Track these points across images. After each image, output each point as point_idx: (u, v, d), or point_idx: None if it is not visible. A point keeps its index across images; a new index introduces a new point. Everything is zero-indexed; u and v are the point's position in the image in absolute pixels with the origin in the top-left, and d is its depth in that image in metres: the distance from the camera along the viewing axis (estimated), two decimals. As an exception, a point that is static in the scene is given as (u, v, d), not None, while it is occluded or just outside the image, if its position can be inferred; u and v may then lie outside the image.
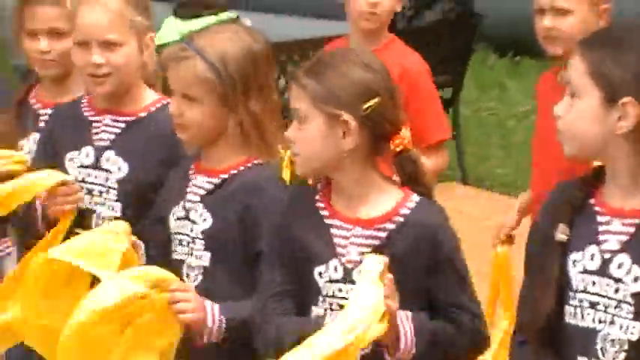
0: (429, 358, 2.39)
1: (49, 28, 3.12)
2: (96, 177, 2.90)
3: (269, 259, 2.47)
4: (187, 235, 2.62)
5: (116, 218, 2.83)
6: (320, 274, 2.34)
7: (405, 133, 2.37)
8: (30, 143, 3.17)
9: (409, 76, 3.79)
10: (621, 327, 2.09)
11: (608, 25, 2.88)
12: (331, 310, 2.35)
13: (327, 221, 2.36)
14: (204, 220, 2.60)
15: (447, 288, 2.35)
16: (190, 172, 2.69)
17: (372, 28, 3.83)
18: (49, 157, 2.97)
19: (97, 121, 2.92)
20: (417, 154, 2.44)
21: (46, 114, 3.18)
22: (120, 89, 2.89)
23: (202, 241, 2.60)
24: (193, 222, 2.60)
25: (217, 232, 2.58)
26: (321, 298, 2.35)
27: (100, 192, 2.90)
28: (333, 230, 2.36)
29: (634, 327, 2.07)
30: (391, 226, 2.33)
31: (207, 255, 2.59)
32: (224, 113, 2.56)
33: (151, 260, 2.73)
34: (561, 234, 2.15)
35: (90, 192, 2.87)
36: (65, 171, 2.90)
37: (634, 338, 2.07)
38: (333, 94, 2.28)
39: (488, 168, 5.28)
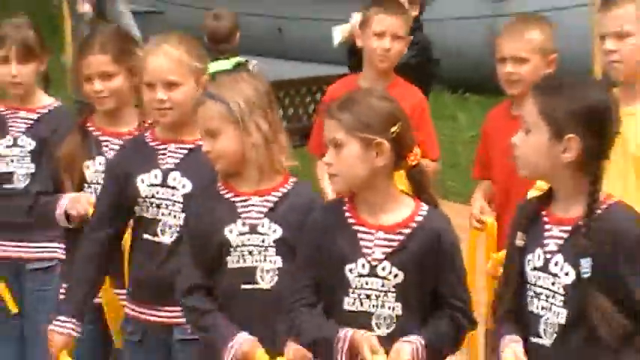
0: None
1: (100, 72, 3.13)
2: (163, 193, 2.91)
3: (299, 258, 2.48)
4: (259, 245, 2.61)
5: (181, 225, 2.83)
6: (350, 270, 2.34)
7: (417, 150, 2.45)
8: (96, 165, 3.19)
9: (419, 107, 3.90)
10: (555, 313, 2.15)
11: (553, 74, 2.99)
12: (359, 298, 2.35)
13: (355, 227, 2.37)
14: (275, 231, 2.60)
15: (447, 282, 2.36)
16: (228, 195, 2.64)
17: (384, 67, 3.82)
18: (119, 179, 2.95)
19: (163, 149, 2.94)
20: (425, 167, 2.54)
21: (106, 140, 3.21)
22: (180, 120, 2.92)
23: (274, 249, 2.59)
24: (264, 234, 2.60)
25: (287, 240, 2.58)
26: (351, 290, 2.35)
27: (167, 205, 2.92)
28: (359, 235, 2.36)
29: (563, 313, 2.13)
30: (407, 231, 2.35)
31: (279, 259, 2.59)
32: (240, 136, 2.55)
33: (208, 270, 2.64)
34: (519, 240, 2.24)
35: (158, 205, 2.91)
36: (136, 189, 2.93)
37: (562, 322, 2.13)
38: (365, 123, 2.30)
39: (442, 181, 5.35)
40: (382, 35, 3.71)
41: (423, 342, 2.31)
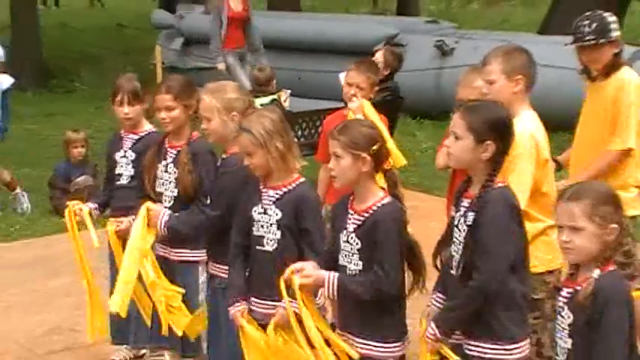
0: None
1: (164, 106, 3.10)
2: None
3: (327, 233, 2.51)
4: (267, 222, 2.57)
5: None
6: (340, 237, 2.36)
7: (390, 159, 2.54)
8: (161, 167, 3.17)
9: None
10: (459, 254, 2.22)
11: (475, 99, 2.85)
12: (343, 256, 2.33)
13: (348, 210, 2.37)
14: (277, 214, 2.56)
15: (377, 255, 2.26)
16: (261, 187, 2.61)
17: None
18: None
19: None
20: (395, 171, 2.57)
21: (169, 150, 3.17)
22: (218, 140, 2.94)
23: (276, 225, 2.55)
24: (270, 215, 2.57)
25: (284, 220, 2.54)
26: (341, 250, 2.36)
27: None
28: (348, 215, 2.36)
29: (463, 249, 2.19)
30: (366, 215, 2.30)
31: (279, 232, 2.55)
32: (266, 154, 2.52)
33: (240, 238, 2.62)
34: (452, 212, 2.31)
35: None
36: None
37: (459, 259, 2.20)
38: (356, 143, 2.30)
39: (406, 177, 5.34)
40: (350, 85, 3.66)
41: (337, 275, 2.30)
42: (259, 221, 2.58)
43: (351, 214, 2.35)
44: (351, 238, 2.33)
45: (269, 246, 2.58)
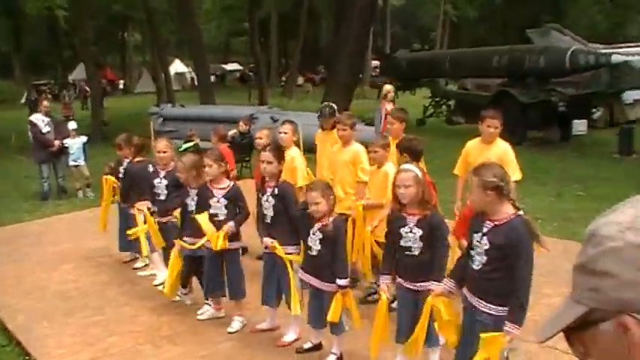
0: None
1: (161, 149, 4.39)
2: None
3: None
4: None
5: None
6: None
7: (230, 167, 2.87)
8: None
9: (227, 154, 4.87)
10: (270, 206, 2.63)
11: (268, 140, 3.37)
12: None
13: (211, 188, 3.15)
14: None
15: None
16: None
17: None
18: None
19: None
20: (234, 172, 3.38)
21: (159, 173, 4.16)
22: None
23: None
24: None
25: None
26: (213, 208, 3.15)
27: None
28: (213, 190, 3.16)
29: (273, 207, 2.59)
30: (228, 188, 3.21)
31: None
32: (189, 172, 3.60)
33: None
34: (260, 194, 2.72)
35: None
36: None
37: (272, 210, 2.59)
38: (219, 159, 2.95)
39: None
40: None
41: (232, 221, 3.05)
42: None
43: (215, 190, 3.50)
44: (221, 200, 3.35)
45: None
